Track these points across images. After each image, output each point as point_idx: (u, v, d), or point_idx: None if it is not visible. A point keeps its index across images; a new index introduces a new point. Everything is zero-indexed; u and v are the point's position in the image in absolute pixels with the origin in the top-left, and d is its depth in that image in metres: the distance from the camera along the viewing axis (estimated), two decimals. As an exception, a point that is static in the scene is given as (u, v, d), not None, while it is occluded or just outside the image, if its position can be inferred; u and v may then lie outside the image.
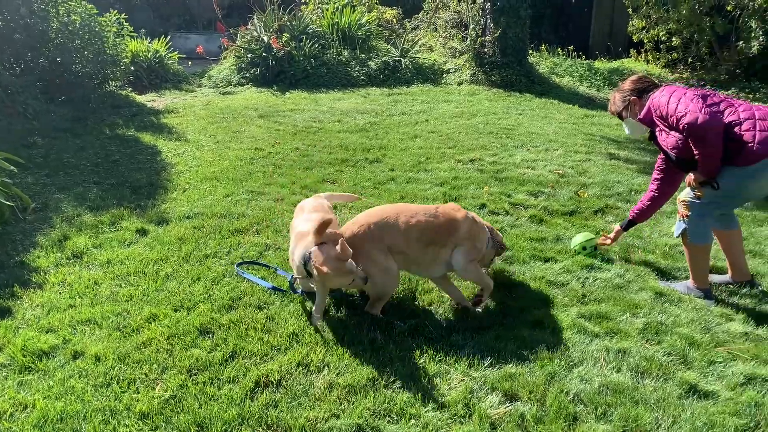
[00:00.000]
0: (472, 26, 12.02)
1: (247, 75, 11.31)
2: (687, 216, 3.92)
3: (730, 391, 3.03)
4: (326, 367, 3.14)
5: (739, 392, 3.02)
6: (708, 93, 3.80)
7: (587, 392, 2.99)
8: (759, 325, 3.63)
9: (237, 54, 11.65)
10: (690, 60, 13.36)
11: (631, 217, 4.41)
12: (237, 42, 11.74)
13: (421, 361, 3.22)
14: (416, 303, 3.80)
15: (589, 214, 5.37)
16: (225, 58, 12.25)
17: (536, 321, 3.62)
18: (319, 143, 7.47)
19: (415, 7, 15.07)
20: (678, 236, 4.04)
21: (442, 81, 11.87)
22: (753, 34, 12.76)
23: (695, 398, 2.98)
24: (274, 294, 3.84)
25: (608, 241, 4.54)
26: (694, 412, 2.87)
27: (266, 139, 7.58)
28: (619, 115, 4.21)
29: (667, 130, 3.85)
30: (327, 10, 12.78)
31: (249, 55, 11.39)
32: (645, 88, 4.06)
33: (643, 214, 4.39)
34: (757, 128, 3.60)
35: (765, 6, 12.35)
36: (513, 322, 3.62)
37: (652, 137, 4.09)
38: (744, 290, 4.06)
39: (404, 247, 3.55)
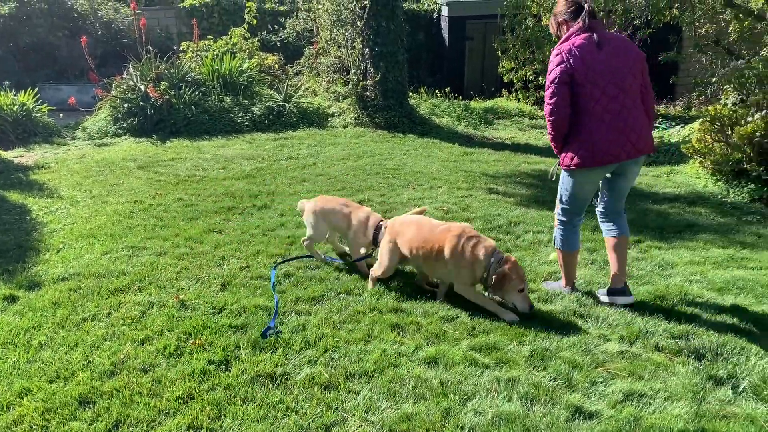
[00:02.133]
0: (353, 71, 12.31)
1: (125, 125, 10.89)
2: (557, 227, 4.48)
3: (611, 409, 3.21)
4: (219, 429, 3.02)
5: (619, 409, 3.21)
6: (583, 82, 3.96)
7: (481, 424, 3.06)
8: (632, 343, 3.89)
9: (113, 104, 11.20)
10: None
11: None
12: (112, 92, 11.31)
13: (318, 411, 3.17)
14: (313, 350, 3.75)
15: (474, 248, 5.56)
16: (100, 108, 11.74)
17: (430, 357, 3.67)
18: (203, 192, 7.29)
19: (296, 53, 15.21)
20: (556, 246, 4.54)
21: (328, 124, 12.00)
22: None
23: (581, 419, 3.13)
24: (160, 355, 3.66)
25: None
26: (580, 433, 3.01)
27: (146, 191, 7.30)
28: (558, 38, 4.30)
29: None
30: (206, 57, 12.63)
31: (125, 105, 10.99)
32: (574, 11, 4.11)
33: None
34: (578, 140, 4.05)
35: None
36: (408, 360, 3.66)
37: None
38: (621, 301, 4.33)
39: None
